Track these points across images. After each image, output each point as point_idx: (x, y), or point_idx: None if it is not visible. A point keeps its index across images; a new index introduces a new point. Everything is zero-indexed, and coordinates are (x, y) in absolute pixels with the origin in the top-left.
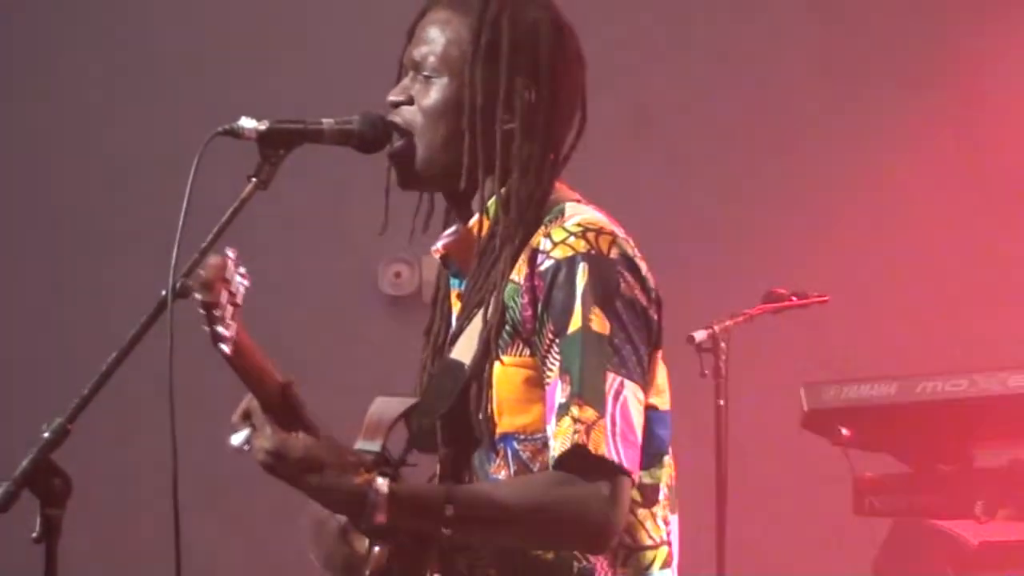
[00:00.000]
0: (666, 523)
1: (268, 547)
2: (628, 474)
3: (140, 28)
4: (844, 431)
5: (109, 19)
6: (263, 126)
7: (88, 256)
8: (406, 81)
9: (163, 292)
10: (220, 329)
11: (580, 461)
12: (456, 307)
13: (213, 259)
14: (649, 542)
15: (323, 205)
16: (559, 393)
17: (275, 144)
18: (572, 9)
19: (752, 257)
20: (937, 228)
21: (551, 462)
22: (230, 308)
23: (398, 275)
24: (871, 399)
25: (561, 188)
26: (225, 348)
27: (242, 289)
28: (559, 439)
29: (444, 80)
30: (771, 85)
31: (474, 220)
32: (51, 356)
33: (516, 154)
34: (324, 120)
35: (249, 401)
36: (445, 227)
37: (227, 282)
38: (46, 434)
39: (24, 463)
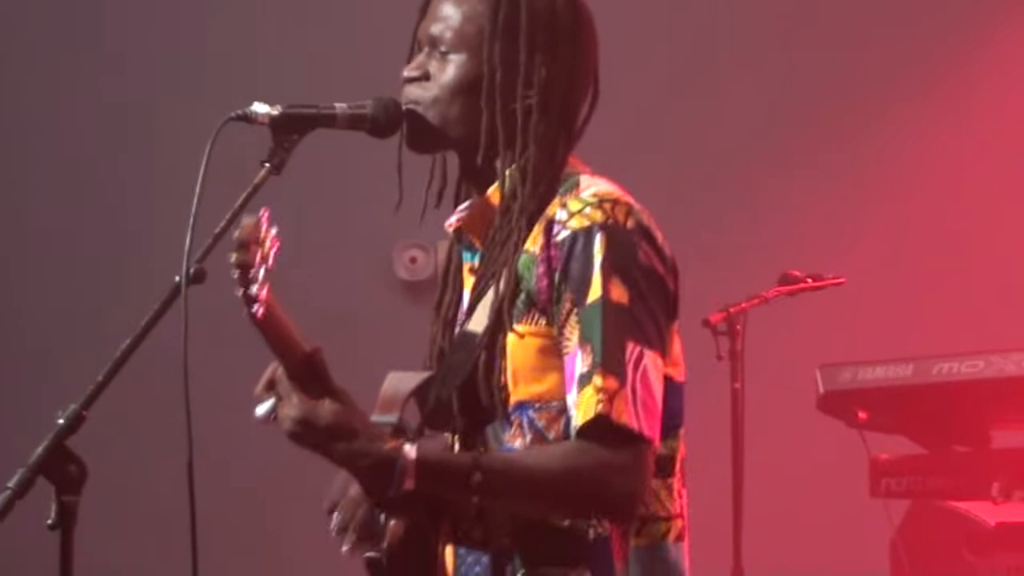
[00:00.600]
0: (680, 496)
1: (283, 533)
2: (649, 442)
3: (153, 13)
4: (860, 413)
5: (123, 5)
6: (276, 111)
7: (101, 242)
8: (421, 57)
9: (177, 278)
10: (254, 290)
11: (603, 430)
12: (469, 281)
13: (247, 219)
14: (663, 513)
15: (337, 190)
16: (580, 363)
17: (288, 129)
18: None
19: (768, 239)
20: (953, 209)
21: (573, 431)
22: (263, 270)
23: (413, 260)
24: (887, 381)
25: (574, 161)
26: (257, 309)
27: (273, 251)
28: (581, 408)
29: (462, 56)
30: (789, 68)
31: (490, 191)
32: (65, 343)
33: (534, 129)
34: (337, 105)
35: (272, 371)
36: (456, 202)
37: (260, 243)
38: (61, 420)
39: (39, 450)
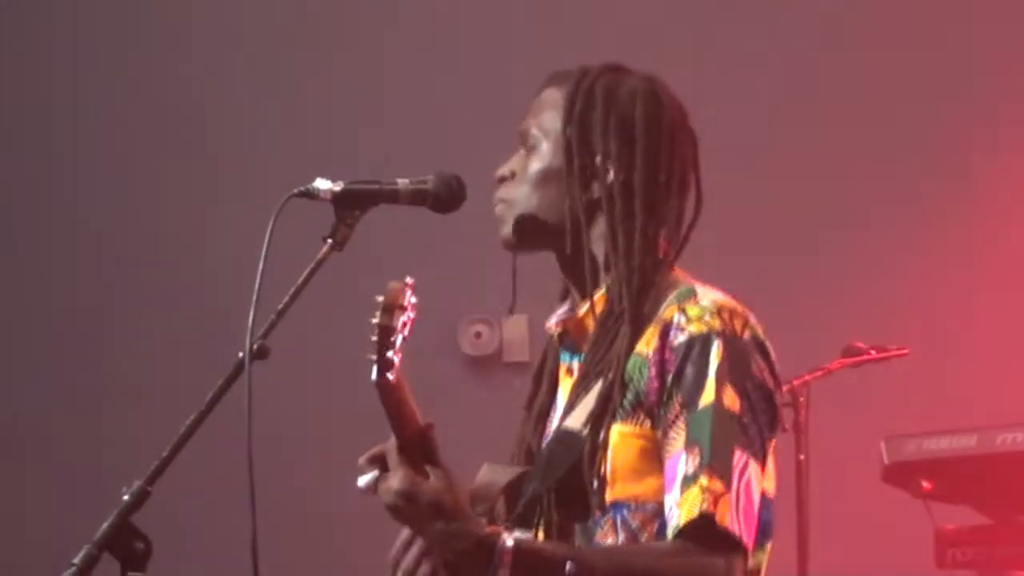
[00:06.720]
0: None
1: None
2: (746, 550)
3: (208, 89)
4: (925, 484)
5: (176, 83)
6: (338, 187)
7: (166, 318)
8: (515, 156)
9: (241, 354)
10: (391, 355)
11: (705, 531)
12: (565, 381)
13: (394, 284)
14: None
15: (402, 264)
16: (685, 464)
17: (350, 205)
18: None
19: (830, 311)
20: (1017, 281)
21: (672, 530)
22: (401, 337)
23: (478, 335)
24: (951, 451)
25: (684, 275)
26: (390, 376)
27: (411, 320)
28: (684, 507)
29: (544, 148)
30: (854, 135)
31: (597, 297)
32: (128, 419)
33: (619, 221)
34: (399, 180)
35: (382, 445)
36: (561, 299)
37: (404, 309)
38: (126, 496)
39: (104, 526)
